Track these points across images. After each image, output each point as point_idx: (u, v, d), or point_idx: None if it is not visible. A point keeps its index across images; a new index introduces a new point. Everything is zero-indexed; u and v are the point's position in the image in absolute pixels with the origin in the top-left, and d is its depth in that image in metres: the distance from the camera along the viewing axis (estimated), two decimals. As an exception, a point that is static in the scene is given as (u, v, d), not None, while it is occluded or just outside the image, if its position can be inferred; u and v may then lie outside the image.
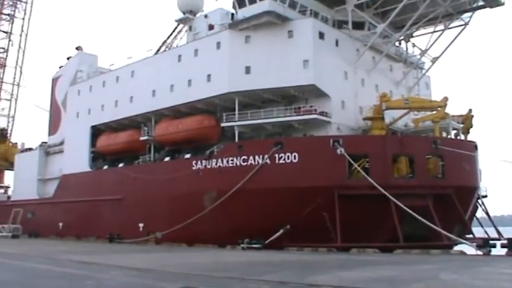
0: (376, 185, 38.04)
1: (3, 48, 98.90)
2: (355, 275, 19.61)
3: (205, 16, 55.34)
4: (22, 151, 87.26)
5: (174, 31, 63.55)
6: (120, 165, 58.93)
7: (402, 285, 16.22)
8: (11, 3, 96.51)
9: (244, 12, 48.76)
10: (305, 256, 32.49)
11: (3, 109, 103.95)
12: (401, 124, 49.77)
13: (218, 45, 49.88)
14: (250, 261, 27.60)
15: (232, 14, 52.16)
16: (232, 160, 44.67)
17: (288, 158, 41.71)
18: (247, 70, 47.33)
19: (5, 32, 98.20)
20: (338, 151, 40.22)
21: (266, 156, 42.34)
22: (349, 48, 49.31)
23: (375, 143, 42.36)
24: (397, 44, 55.25)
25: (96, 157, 64.21)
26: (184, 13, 57.76)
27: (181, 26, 61.66)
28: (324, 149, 40.83)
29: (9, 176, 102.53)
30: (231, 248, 41.81)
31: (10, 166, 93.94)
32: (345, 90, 47.60)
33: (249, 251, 37.90)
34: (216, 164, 45.67)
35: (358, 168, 39.74)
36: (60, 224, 64.25)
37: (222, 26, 51.72)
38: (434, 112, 46.29)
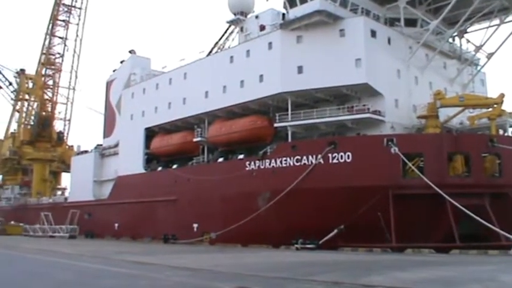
0: (431, 184, 37.97)
1: (59, 54, 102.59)
2: (411, 275, 19.60)
3: (257, 17, 56.12)
4: (78, 153, 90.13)
5: (225, 32, 64.64)
6: (174, 166, 60.19)
7: (459, 287, 16.22)
8: (65, 9, 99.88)
9: (295, 12, 49.22)
10: (359, 256, 32.88)
11: (59, 113, 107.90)
12: (456, 122, 49.55)
13: (270, 45, 50.54)
14: (304, 261, 28.02)
15: (283, 14, 52.64)
16: (285, 160, 45.30)
17: (342, 158, 42.09)
18: (300, 70, 47.76)
19: (60, 37, 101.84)
20: (392, 150, 40.35)
21: (319, 156, 42.81)
22: (402, 45, 49.22)
23: (430, 142, 42.17)
24: (450, 40, 54.82)
25: (151, 159, 65.68)
26: (235, 14, 58.70)
27: (232, 27, 62.62)
28: (378, 148, 41.00)
29: (66, 178, 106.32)
30: (285, 249, 42.45)
31: (67, 168, 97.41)
32: (398, 89, 47.57)
33: (303, 251, 38.45)
34: (270, 164, 46.42)
35: (413, 168, 39.85)
36: (116, 225, 66.18)
37: (273, 27, 52.40)
38: (490, 109, 45.78)
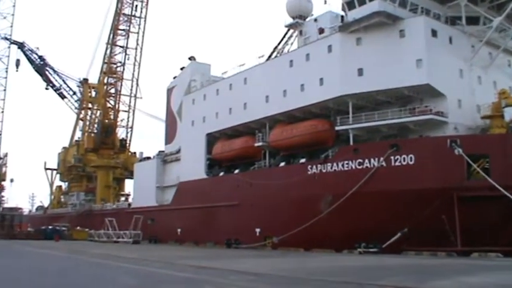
0: (498, 186, 37.64)
1: (120, 62, 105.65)
2: (477, 280, 19.43)
3: (315, 20, 56.67)
4: (141, 160, 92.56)
5: (284, 36, 65.35)
6: (236, 171, 61.30)
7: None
8: (126, 19, 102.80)
9: (354, 14, 49.42)
10: (423, 260, 32.81)
11: (122, 120, 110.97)
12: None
13: (329, 48, 50.97)
14: (367, 265, 28.32)
15: (342, 17, 52.85)
16: (347, 163, 45.75)
17: (404, 160, 42.25)
18: (360, 72, 47.93)
19: (121, 46, 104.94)
20: (456, 151, 40.31)
21: (382, 158, 43.12)
22: (464, 44, 48.74)
23: (495, 142, 41.70)
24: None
25: (212, 164, 66.86)
26: (293, 18, 59.50)
27: (291, 31, 63.26)
28: (441, 150, 41.00)
29: (129, 184, 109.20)
30: (347, 253, 42.64)
31: (130, 175, 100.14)
32: (461, 89, 47.04)
33: (366, 255, 38.69)
34: (332, 167, 46.93)
35: (478, 169, 39.61)
36: (179, 230, 67.67)
37: (332, 29, 52.80)
38: (558, 107, 44.77)
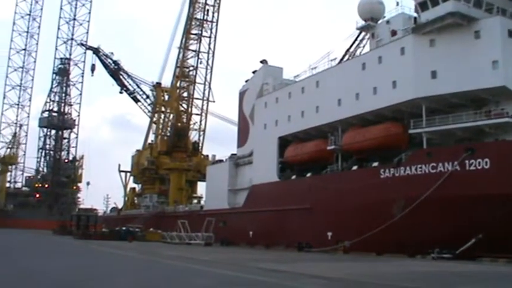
0: None
1: (192, 66, 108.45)
2: None
3: (387, 22, 56.75)
4: (213, 163, 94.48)
5: (356, 39, 65.60)
6: (308, 174, 62.01)
7: None
8: (198, 23, 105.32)
9: (427, 15, 49.15)
10: (500, 267, 32.58)
11: (194, 123, 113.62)
12: None
13: (402, 50, 50.93)
14: (440, 271, 28.30)
15: (415, 18, 52.74)
16: (420, 167, 45.83)
17: (479, 164, 41.98)
18: (433, 75, 47.64)
19: (193, 50, 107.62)
20: (533, 156, 39.80)
21: (456, 162, 43.00)
22: (542, 45, 47.57)
23: None
24: None
25: (285, 167, 67.65)
26: (365, 20, 59.79)
27: (363, 33, 63.53)
28: (519, 154, 40.48)
29: (201, 187, 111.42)
30: (420, 258, 42.50)
31: (202, 177, 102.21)
32: (541, 91, 46.07)
33: (440, 261, 38.45)
34: (405, 171, 47.14)
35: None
36: (251, 233, 68.70)
37: (404, 31, 52.83)
38: None
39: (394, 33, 54.43)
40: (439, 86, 47.25)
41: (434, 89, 47.52)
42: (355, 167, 55.43)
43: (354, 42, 66.37)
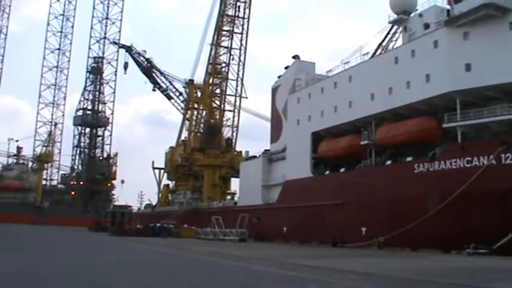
0: None
1: (224, 63, 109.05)
2: None
3: (420, 15, 56.36)
4: (246, 159, 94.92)
5: (388, 33, 65.35)
6: (341, 170, 62.15)
7: None
8: (229, 20, 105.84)
9: (460, 7, 48.78)
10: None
11: (227, 120, 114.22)
12: None
13: (435, 44, 50.63)
14: (475, 267, 27.99)
15: (448, 11, 52.30)
16: (455, 162, 45.65)
17: (515, 158, 41.62)
18: (468, 67, 47.15)
19: (225, 47, 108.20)
20: None
21: (491, 156, 42.75)
22: None
23: None
24: None
25: (318, 163, 67.82)
26: (397, 14, 59.48)
27: (395, 27, 63.26)
28: (556, 147, 40.08)
29: (235, 183, 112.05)
30: (455, 253, 42.41)
31: (235, 173, 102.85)
32: None
33: (475, 257, 38.24)
34: (439, 166, 46.98)
35: None
36: (284, 229, 69.08)
37: (437, 24, 52.30)
38: None
39: (427, 26, 54.00)
40: (473, 78, 46.73)
41: (469, 82, 47.02)
42: (388, 162, 55.35)
43: (386, 36, 66.15)
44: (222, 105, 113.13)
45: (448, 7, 52.48)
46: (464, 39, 48.45)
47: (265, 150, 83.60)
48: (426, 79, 50.94)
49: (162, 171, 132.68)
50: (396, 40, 64.62)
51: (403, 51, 55.69)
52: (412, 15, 58.83)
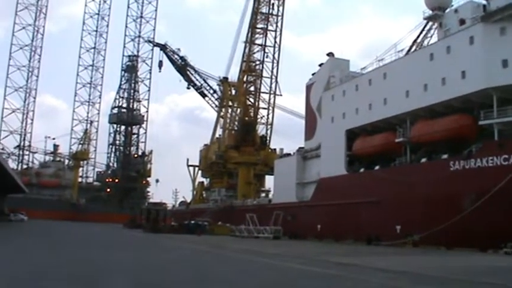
0: None
1: (259, 61, 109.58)
2: None
3: (456, 11, 55.87)
4: (281, 156, 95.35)
5: (423, 29, 64.97)
6: (376, 167, 62.10)
7: None
8: (263, 17, 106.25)
9: (496, 3, 48.38)
10: None
11: (261, 117, 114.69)
12: None
13: (471, 40, 50.15)
14: None
15: (484, 6, 51.65)
16: (492, 160, 45.24)
17: (554, 156, 41.19)
18: (505, 64, 46.68)
19: (259, 45, 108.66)
20: None
21: (529, 154, 42.30)
22: None
23: None
24: None
25: (352, 160, 67.77)
26: (432, 10, 59.12)
27: (430, 23, 62.84)
28: None
29: (269, 180, 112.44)
30: (492, 252, 42.11)
31: (270, 171, 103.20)
32: None
33: (513, 256, 37.87)
34: (475, 164, 46.63)
35: None
36: (319, 226, 69.12)
37: (473, 20, 51.69)
38: None
39: (462, 22, 53.51)
40: (510, 75, 46.25)
41: (506, 78, 46.48)
42: (424, 160, 55.08)
43: (421, 33, 65.82)
44: (256, 103, 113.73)
45: (484, 2, 51.87)
46: (501, 34, 47.98)
47: (300, 147, 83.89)
48: (462, 76, 50.46)
49: (196, 168, 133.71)
50: (431, 36, 64.34)
51: (438, 47, 55.30)
52: (447, 11, 58.35)
